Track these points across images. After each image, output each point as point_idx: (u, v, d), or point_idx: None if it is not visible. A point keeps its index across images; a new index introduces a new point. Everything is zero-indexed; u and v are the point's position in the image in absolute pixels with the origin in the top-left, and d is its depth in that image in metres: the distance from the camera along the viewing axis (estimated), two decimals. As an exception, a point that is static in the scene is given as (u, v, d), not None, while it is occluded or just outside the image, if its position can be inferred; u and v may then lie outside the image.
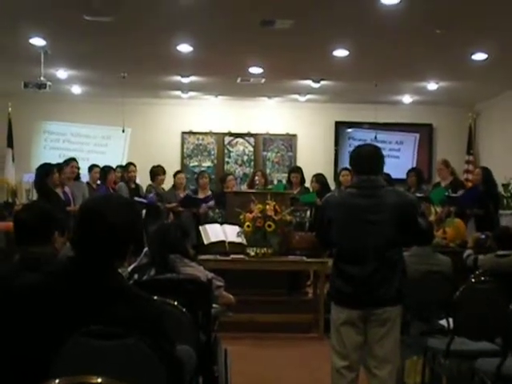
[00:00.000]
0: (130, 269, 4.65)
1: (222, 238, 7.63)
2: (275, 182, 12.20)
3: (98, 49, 8.80)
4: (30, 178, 10.49)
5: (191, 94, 12.01)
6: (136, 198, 9.33)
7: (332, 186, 10.53)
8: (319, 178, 10.14)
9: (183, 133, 12.89)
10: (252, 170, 12.23)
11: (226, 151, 13.03)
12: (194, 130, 12.91)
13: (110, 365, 2.13)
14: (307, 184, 10.29)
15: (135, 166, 10.51)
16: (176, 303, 3.52)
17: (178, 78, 10.62)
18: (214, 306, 4.52)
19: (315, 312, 7.44)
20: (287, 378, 5.90)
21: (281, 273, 7.77)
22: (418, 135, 13.07)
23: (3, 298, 2.34)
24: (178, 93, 11.93)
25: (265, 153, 13.07)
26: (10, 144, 12.13)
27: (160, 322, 2.33)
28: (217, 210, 9.10)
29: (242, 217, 7.29)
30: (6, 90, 11.23)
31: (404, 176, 10.38)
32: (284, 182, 11.61)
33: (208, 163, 12.98)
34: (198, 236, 8.00)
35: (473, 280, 4.92)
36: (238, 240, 7.45)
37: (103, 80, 10.92)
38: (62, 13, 7.26)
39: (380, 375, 4.08)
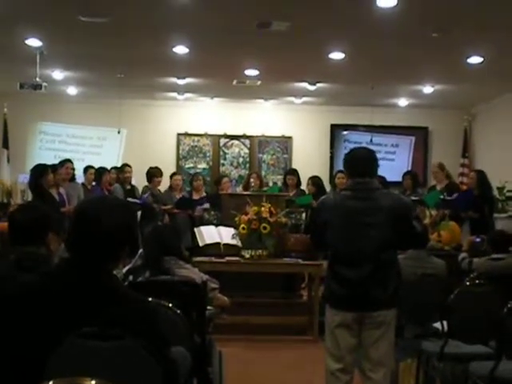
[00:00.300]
0: (124, 270, 4.65)
1: (217, 240, 7.63)
2: (270, 184, 12.19)
3: (94, 50, 8.79)
4: (25, 178, 10.48)
5: (187, 95, 12.00)
6: (130, 199, 9.33)
7: (328, 188, 10.54)
8: (315, 180, 10.15)
9: (179, 134, 12.87)
10: (247, 172, 12.22)
11: (221, 153, 13.02)
12: (190, 132, 12.90)
13: (105, 366, 2.13)
14: (303, 186, 10.30)
15: (130, 167, 10.51)
16: (171, 305, 3.52)
17: (174, 79, 10.61)
18: (208, 307, 4.53)
19: (310, 314, 7.45)
20: (282, 380, 5.90)
21: (276, 275, 7.76)
22: (413, 138, 13.09)
23: (-2, 299, 2.34)
24: (174, 94, 11.92)
25: (260, 155, 13.07)
26: (6, 145, 12.11)
27: (155, 323, 2.33)
28: (212, 212, 9.10)
29: (237, 219, 7.29)
30: (2, 91, 11.21)
31: (399, 179, 10.42)
32: (279, 184, 11.62)
33: (203, 165, 12.97)
34: (193, 238, 8.00)
35: (467, 283, 4.94)
36: (233, 242, 7.44)
37: (99, 81, 10.91)
38: (58, 14, 7.25)
39: (375, 378, 4.09)
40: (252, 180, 9.77)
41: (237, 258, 7.36)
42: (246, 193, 8.71)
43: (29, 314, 2.23)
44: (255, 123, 12.92)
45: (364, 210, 4.09)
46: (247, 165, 13.00)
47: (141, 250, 4.76)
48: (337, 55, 8.81)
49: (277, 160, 13.09)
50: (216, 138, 12.96)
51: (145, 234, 5.13)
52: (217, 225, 8.09)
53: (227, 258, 7.38)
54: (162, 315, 2.97)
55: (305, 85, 10.78)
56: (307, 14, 7.12)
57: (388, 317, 4.09)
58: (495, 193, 10.00)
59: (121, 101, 11.40)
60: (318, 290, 7.11)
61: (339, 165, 11.51)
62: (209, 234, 7.72)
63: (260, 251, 7.26)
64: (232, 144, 13.03)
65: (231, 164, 13.02)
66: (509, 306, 4.02)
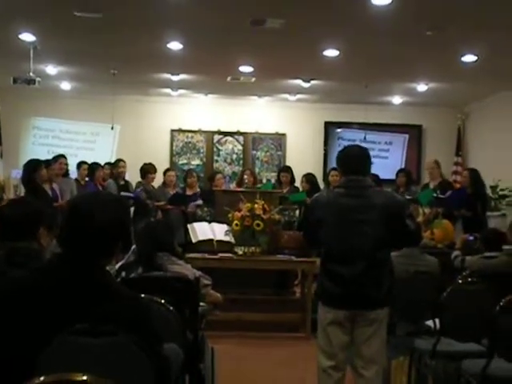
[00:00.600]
0: (117, 266, 4.64)
1: (210, 236, 7.62)
2: (264, 181, 12.20)
3: (88, 45, 8.76)
4: (18, 173, 10.46)
5: (181, 91, 11.99)
6: (123, 193, 9.33)
7: (322, 185, 10.54)
8: (309, 177, 10.15)
9: (172, 130, 12.87)
10: (241, 169, 12.22)
11: (215, 149, 13.02)
12: (184, 128, 12.89)
13: (97, 362, 2.12)
14: (297, 184, 10.30)
15: (125, 163, 10.51)
16: (163, 301, 3.52)
17: (168, 75, 10.60)
18: (201, 304, 4.53)
19: (302, 311, 7.45)
20: (274, 377, 5.90)
21: (269, 272, 7.76)
22: (407, 136, 13.11)
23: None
24: (168, 90, 11.91)
25: (254, 152, 13.07)
26: (-1, 140, 12.09)
27: (147, 320, 2.32)
28: (205, 209, 9.08)
29: (230, 215, 7.28)
30: (-5, 86, 11.19)
31: (393, 176, 10.43)
32: (273, 181, 11.62)
33: (197, 161, 12.96)
34: (186, 234, 7.99)
35: (460, 281, 4.94)
36: (226, 239, 7.44)
37: (93, 77, 10.88)
38: (52, 8, 7.23)
39: (367, 375, 4.10)
40: (246, 177, 9.76)
41: (230, 255, 7.35)
42: (239, 189, 8.69)
43: (20, 310, 2.22)
44: (249, 120, 12.93)
45: (357, 207, 4.09)
46: (241, 161, 13.00)
47: (134, 246, 4.75)
48: (331, 52, 8.80)
49: (270, 157, 13.10)
50: (210, 134, 12.96)
51: (138, 229, 5.12)
52: (210, 221, 8.08)
53: (220, 255, 7.37)
54: (154, 311, 2.97)
55: (299, 82, 10.79)
56: (302, 11, 7.12)
57: (380, 315, 4.10)
58: (488, 191, 10.02)
59: (115, 96, 11.37)
60: (310, 287, 7.12)
61: (333, 162, 11.49)
62: (202, 231, 7.71)
63: (253, 248, 7.25)
64: (226, 140, 13.03)
65: (225, 160, 13.02)
66: (501, 304, 4.03)
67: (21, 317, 2.21)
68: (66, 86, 11.64)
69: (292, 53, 8.95)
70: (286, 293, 8.19)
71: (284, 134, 13.03)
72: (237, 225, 7.22)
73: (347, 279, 4.04)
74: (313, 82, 10.71)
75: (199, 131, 12.93)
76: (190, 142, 12.95)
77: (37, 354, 2.12)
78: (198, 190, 10.34)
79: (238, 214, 7.23)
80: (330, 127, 13.01)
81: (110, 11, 7.26)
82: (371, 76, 10.10)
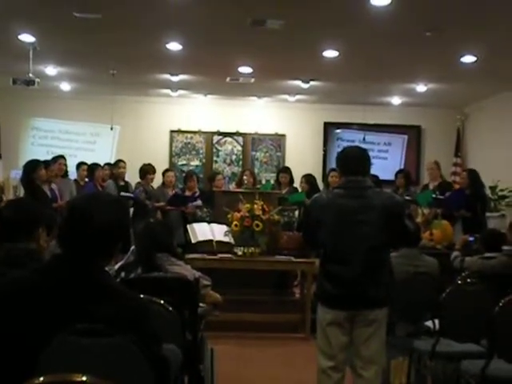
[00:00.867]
0: (116, 267, 4.64)
1: (209, 237, 7.62)
2: (263, 182, 12.20)
3: (88, 46, 8.77)
4: (17, 174, 10.45)
5: (180, 92, 12.00)
6: (122, 193, 9.33)
7: (321, 186, 10.54)
8: (308, 178, 10.14)
9: (172, 131, 12.87)
10: (240, 170, 12.23)
11: (214, 150, 13.02)
12: (183, 129, 12.89)
13: (96, 363, 2.12)
14: (296, 184, 10.30)
15: (125, 163, 10.48)
16: (162, 302, 3.51)
17: (168, 76, 10.60)
18: (200, 305, 4.52)
19: (302, 312, 7.45)
20: (273, 377, 5.89)
21: (268, 272, 7.76)
22: (406, 137, 13.11)
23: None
24: (167, 91, 11.91)
25: (253, 152, 13.07)
26: (-2, 140, 12.10)
27: (146, 320, 2.32)
28: (205, 209, 9.08)
29: (229, 216, 7.29)
30: (-6, 86, 11.19)
31: (392, 177, 10.43)
32: (272, 181, 11.62)
33: (196, 162, 12.97)
34: (186, 235, 7.99)
35: (459, 282, 4.94)
36: (226, 239, 7.44)
37: (92, 77, 10.89)
38: (52, 9, 7.23)
39: (366, 376, 4.10)
40: (245, 177, 9.76)
41: (229, 255, 7.36)
42: (238, 190, 8.69)
43: (20, 310, 2.22)
44: (248, 121, 12.93)
45: (356, 208, 4.08)
46: (240, 162, 13.00)
47: (133, 247, 4.75)
48: (331, 53, 8.81)
49: (270, 158, 13.10)
50: (209, 135, 12.97)
51: (137, 230, 5.11)
52: (209, 222, 8.08)
53: (220, 255, 7.37)
54: (153, 312, 2.97)
55: (298, 83, 10.79)
56: (301, 12, 7.12)
57: (380, 315, 4.10)
58: (488, 192, 10.02)
59: (114, 97, 11.37)
60: (310, 288, 7.12)
61: (332, 163, 11.52)
62: (201, 231, 7.71)
63: (252, 248, 7.26)
64: (225, 141, 13.04)
65: (224, 161, 13.02)
66: (500, 304, 4.03)
67: (20, 317, 2.21)
68: (65, 86, 11.64)
69: (291, 53, 8.95)
70: (285, 293, 8.19)
71: (283, 135, 13.03)
72: (236, 225, 7.22)
73: (346, 280, 4.04)
74: (312, 82, 10.72)
75: (198, 132, 12.94)
76: (189, 143, 12.96)
77: (36, 354, 2.12)
78: (197, 190, 10.33)
79: (237, 215, 7.23)
80: (329, 128, 13.01)
81: (109, 12, 7.26)
82: (370, 77, 10.10)
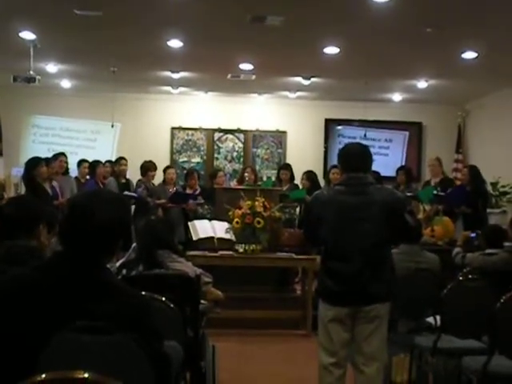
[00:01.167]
0: (118, 264, 4.65)
1: (210, 234, 7.63)
2: (264, 179, 12.18)
3: (88, 43, 8.76)
4: (18, 172, 10.46)
5: (181, 89, 11.98)
6: (126, 193, 9.33)
7: (322, 183, 10.53)
8: (310, 175, 10.14)
9: (173, 128, 12.86)
10: (241, 167, 12.23)
11: (215, 147, 13.01)
12: (184, 126, 12.89)
13: (97, 360, 2.12)
14: (297, 181, 10.30)
15: (126, 161, 10.48)
16: (164, 299, 3.52)
17: (168, 73, 10.60)
18: (202, 302, 4.53)
19: (303, 309, 7.45)
20: (275, 374, 5.89)
21: (269, 269, 7.76)
22: (407, 133, 13.11)
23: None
24: (168, 88, 11.90)
25: (254, 149, 13.07)
26: (-1, 138, 12.09)
27: (148, 317, 2.32)
28: (206, 206, 9.08)
29: (231, 213, 7.28)
30: (-5, 84, 11.19)
31: (393, 174, 10.44)
32: (273, 178, 11.61)
33: (197, 159, 12.97)
34: (187, 232, 7.99)
35: (460, 278, 4.94)
36: (227, 236, 7.44)
37: (93, 75, 10.88)
38: (52, 6, 7.23)
39: (367, 372, 4.10)
40: (246, 174, 9.75)
41: (230, 252, 7.36)
42: (239, 187, 8.69)
43: (20, 307, 2.22)
44: (249, 117, 12.93)
45: (358, 204, 4.08)
46: (241, 159, 13.00)
47: (134, 244, 4.76)
48: (331, 50, 8.80)
49: (271, 154, 13.10)
50: (210, 132, 12.96)
51: (138, 227, 5.11)
52: (211, 219, 8.08)
53: (221, 252, 7.38)
54: (155, 309, 2.97)
55: (299, 79, 10.78)
56: (302, 8, 7.12)
57: (381, 311, 4.10)
58: (489, 188, 10.02)
59: (115, 94, 11.36)
60: (311, 285, 7.12)
61: (333, 159, 11.51)
62: (203, 228, 7.72)
63: (254, 245, 7.25)
64: (226, 138, 13.03)
65: (225, 158, 13.02)
66: (501, 300, 4.03)
67: (21, 315, 2.21)
68: (66, 84, 11.64)
69: (292, 50, 8.94)
70: (286, 290, 8.19)
71: (284, 132, 13.03)
72: (237, 222, 7.22)
73: (348, 276, 4.04)
74: (313, 79, 10.71)
75: (199, 129, 12.93)
76: (190, 140, 12.95)
77: (37, 352, 2.12)
78: (198, 188, 10.32)
79: (238, 212, 7.22)
80: (330, 124, 13.01)
81: (110, 9, 7.26)
82: (371, 73, 10.10)
